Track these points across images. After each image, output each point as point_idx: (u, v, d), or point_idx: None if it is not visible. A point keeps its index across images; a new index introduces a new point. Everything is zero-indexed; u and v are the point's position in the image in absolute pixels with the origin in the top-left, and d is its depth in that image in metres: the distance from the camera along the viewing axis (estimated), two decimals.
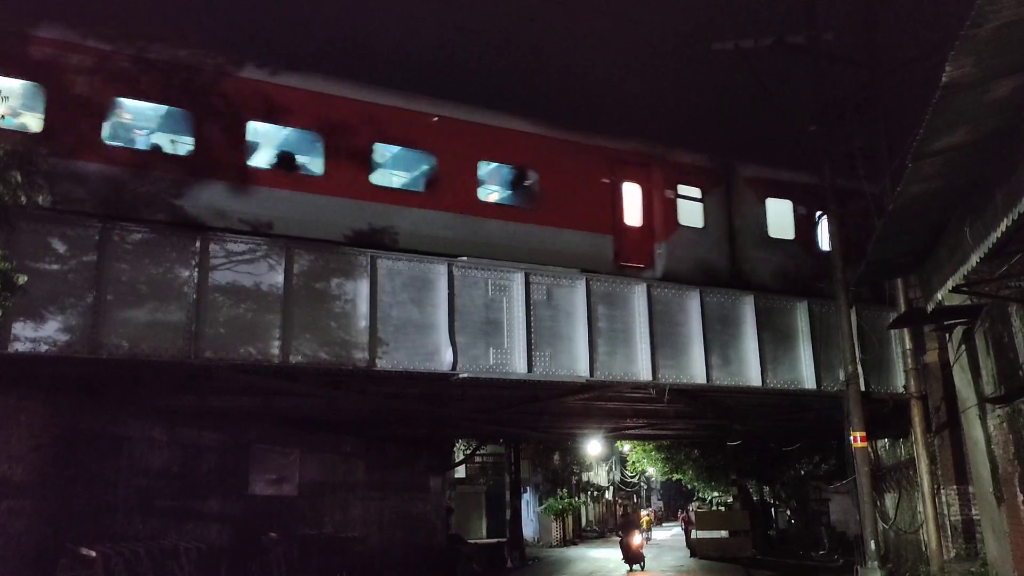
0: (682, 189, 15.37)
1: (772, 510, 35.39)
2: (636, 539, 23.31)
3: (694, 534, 29.98)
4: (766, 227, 16.12)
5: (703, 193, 15.59)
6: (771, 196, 16.34)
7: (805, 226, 16.58)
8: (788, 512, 35.14)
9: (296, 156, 12.95)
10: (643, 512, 68.66)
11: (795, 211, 16.50)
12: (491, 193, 14.93)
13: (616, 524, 26.77)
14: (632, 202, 14.98)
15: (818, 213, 16.39)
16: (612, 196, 14.73)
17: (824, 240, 16.15)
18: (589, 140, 14.87)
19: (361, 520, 20.04)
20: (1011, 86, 6.77)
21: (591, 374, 13.46)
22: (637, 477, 57.78)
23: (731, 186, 15.95)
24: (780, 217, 16.32)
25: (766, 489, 33.66)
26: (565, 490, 40.95)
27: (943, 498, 14.26)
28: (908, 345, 14.69)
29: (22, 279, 8.30)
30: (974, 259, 8.92)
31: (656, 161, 15.23)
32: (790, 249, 16.25)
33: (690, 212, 15.40)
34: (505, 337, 12.98)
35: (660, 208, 15.07)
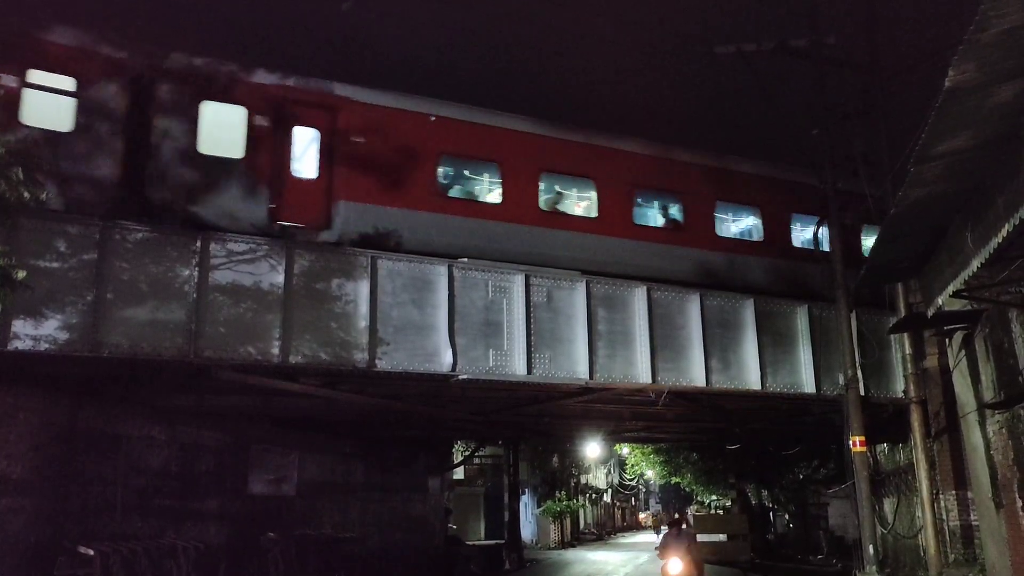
0: (37, 76, 11.42)
1: (771, 514, 35.38)
2: (674, 567, 14.18)
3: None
4: (195, 140, 12.26)
5: (81, 84, 11.64)
6: (212, 99, 12.46)
7: (267, 143, 12.67)
8: (787, 516, 35.12)
9: None
10: (642, 515, 68.64)
11: (251, 122, 12.61)
12: None
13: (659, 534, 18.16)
14: None
15: (297, 128, 12.93)
16: None
17: (306, 164, 12.89)
18: None
19: (359, 521, 20.03)
20: (1013, 91, 6.78)
21: (591, 376, 13.45)
22: (636, 480, 57.87)
23: (145, 81, 12.14)
24: (224, 129, 12.47)
25: (765, 493, 33.64)
26: (563, 492, 40.95)
27: (942, 503, 14.24)
28: (908, 350, 14.68)
29: (21, 274, 8.30)
30: (975, 264, 8.93)
31: None
32: (236, 171, 12.37)
33: (50, 109, 11.42)
34: (505, 339, 12.97)
35: None
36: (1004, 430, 10.82)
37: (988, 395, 11.37)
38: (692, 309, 14.53)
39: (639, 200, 15.60)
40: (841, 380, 14.63)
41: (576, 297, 13.64)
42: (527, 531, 36.52)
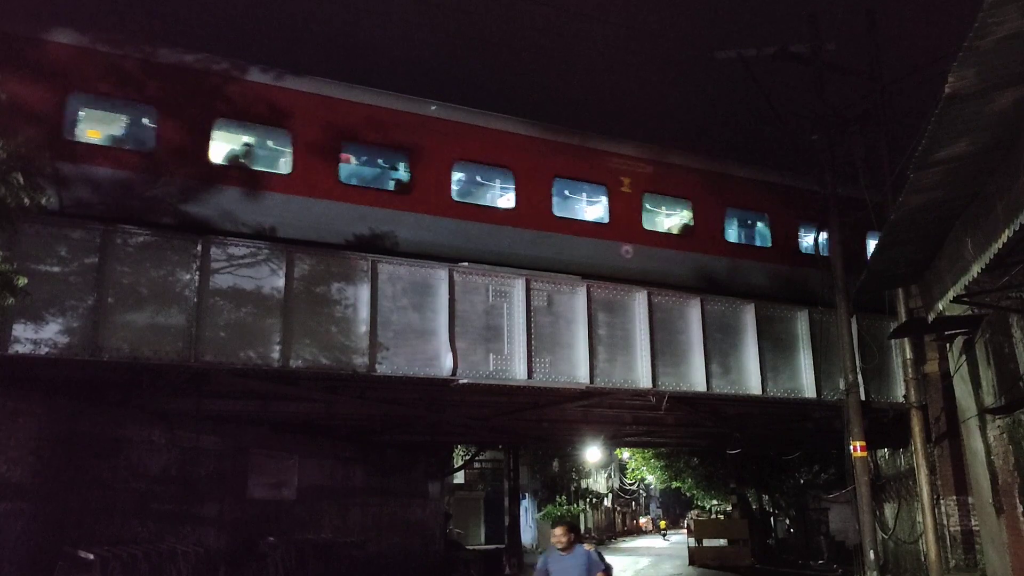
0: None
1: (771, 519, 35.36)
2: None
3: (692, 542, 29.92)
4: None
5: None
6: None
7: None
8: (787, 521, 35.09)
9: None
10: (642, 520, 68.48)
11: None
12: None
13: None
14: None
15: None
16: None
17: None
18: None
19: (359, 525, 20.00)
20: (1013, 98, 6.79)
21: (591, 381, 13.43)
22: (636, 484, 57.85)
23: None
24: None
25: (765, 498, 33.62)
26: (564, 497, 40.93)
27: (942, 508, 14.24)
28: (908, 355, 14.66)
29: (22, 281, 8.30)
30: (975, 269, 8.93)
31: None
32: None
33: None
34: (505, 343, 12.96)
35: None
36: (1005, 435, 10.81)
37: (989, 400, 11.36)
38: (693, 314, 14.53)
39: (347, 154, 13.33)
40: (842, 385, 14.62)
41: (576, 301, 13.64)
42: (527, 535, 36.46)
